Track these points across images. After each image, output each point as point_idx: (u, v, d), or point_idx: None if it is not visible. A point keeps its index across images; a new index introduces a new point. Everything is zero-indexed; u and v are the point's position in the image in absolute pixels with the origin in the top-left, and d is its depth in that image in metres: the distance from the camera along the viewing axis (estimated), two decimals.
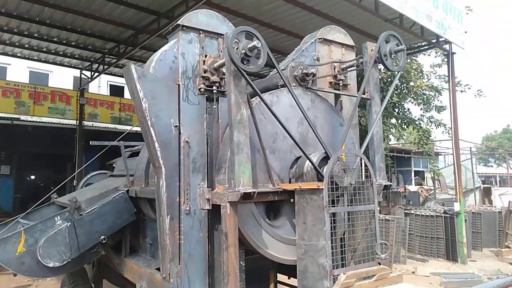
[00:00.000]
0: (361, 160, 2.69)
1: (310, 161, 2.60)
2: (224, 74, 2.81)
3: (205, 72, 2.78)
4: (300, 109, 2.66)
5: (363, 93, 3.12)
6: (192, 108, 2.72)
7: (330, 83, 3.37)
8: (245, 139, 2.48)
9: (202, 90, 2.76)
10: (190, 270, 2.56)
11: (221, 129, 2.85)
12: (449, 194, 15.50)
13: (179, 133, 2.66)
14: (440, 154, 23.33)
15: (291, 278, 3.87)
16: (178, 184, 2.63)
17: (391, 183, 3.17)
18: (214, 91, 2.79)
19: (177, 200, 2.61)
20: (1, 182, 17.38)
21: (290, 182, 2.87)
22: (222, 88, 2.83)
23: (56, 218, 3.94)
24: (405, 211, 9.96)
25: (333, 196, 2.50)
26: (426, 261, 8.89)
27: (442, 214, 9.25)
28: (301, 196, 2.59)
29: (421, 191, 16.61)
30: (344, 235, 2.62)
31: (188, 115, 2.69)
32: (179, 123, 2.66)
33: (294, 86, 2.96)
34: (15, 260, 3.63)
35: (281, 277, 3.76)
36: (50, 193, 4.86)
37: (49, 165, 18.87)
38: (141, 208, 4.11)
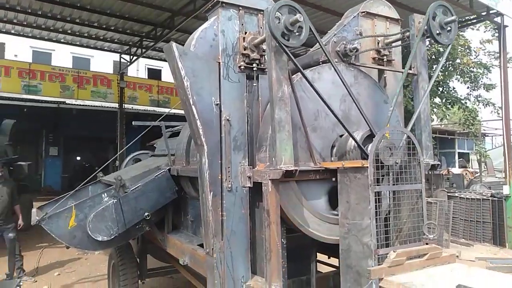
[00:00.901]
0: (407, 138, 2.58)
1: (354, 139, 2.53)
2: (264, 51, 2.77)
3: (245, 49, 2.74)
4: (344, 85, 2.57)
5: (410, 69, 2.97)
6: (232, 86, 2.71)
7: (374, 58, 3.23)
8: (287, 116, 2.44)
9: (242, 67, 2.73)
10: (232, 246, 2.60)
11: (261, 107, 2.82)
12: (496, 177, 14.72)
13: (220, 111, 2.66)
14: (487, 135, 22.09)
15: (331, 257, 3.86)
16: (219, 161, 2.65)
17: (439, 163, 3.03)
18: (254, 69, 2.76)
19: (219, 177, 2.64)
20: (51, 162, 18.46)
21: (332, 161, 2.82)
22: (262, 65, 2.79)
23: (103, 195, 4.13)
24: (449, 194, 9.59)
25: (377, 175, 2.43)
26: (471, 246, 8.57)
27: (490, 198, 8.83)
28: (344, 174, 2.53)
29: (466, 174, 15.88)
30: (388, 214, 2.55)
31: (228, 93, 2.69)
32: (219, 101, 2.66)
33: (336, 62, 2.86)
34: (67, 234, 3.86)
35: (320, 257, 3.75)
36: (96, 171, 5.08)
37: (92, 147, 19.79)
38: (182, 186, 4.21)
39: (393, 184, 2.50)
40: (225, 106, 2.66)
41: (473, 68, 11.80)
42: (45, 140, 18.10)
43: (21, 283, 2.49)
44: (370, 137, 2.64)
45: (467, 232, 9.08)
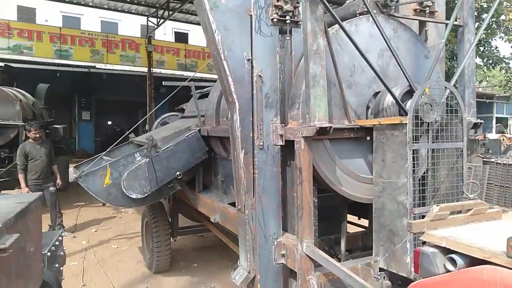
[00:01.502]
0: (450, 94, 2.43)
1: (392, 94, 2.41)
2: (298, 2, 2.63)
3: (278, 1, 2.60)
4: (384, 39, 2.42)
5: (455, 20, 2.76)
6: (264, 40, 2.60)
7: (415, 10, 3.02)
8: (322, 71, 2.34)
9: (274, 20, 2.61)
10: (264, 202, 2.60)
11: (294, 62, 2.72)
12: None
13: (252, 67, 2.58)
14: None
15: (361, 218, 3.84)
16: (251, 119, 2.61)
17: (482, 121, 2.86)
18: (287, 22, 2.63)
19: (251, 135, 2.60)
20: (84, 127, 19.10)
21: (367, 119, 2.72)
22: (295, 18, 2.66)
23: (136, 155, 4.22)
24: (484, 160, 9.23)
25: (416, 132, 2.32)
26: (505, 212, 8.30)
27: None
28: (380, 132, 2.43)
29: (503, 139, 15.19)
30: (426, 173, 2.46)
31: (260, 47, 2.59)
32: (251, 56, 2.58)
33: (375, 13, 2.68)
34: (103, 191, 4.00)
35: (350, 218, 3.74)
36: (128, 132, 5.18)
37: (122, 111, 20.26)
38: (212, 147, 4.23)
39: (433, 142, 2.39)
40: (257, 62, 2.58)
41: None
42: (78, 104, 18.64)
43: (63, 234, 2.61)
44: (409, 93, 2.51)
45: (501, 198, 8.78)
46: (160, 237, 5.09)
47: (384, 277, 2.43)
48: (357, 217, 3.84)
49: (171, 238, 5.41)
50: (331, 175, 2.66)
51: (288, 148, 2.66)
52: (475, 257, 1.38)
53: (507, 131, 19.24)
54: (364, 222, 3.83)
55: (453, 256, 1.49)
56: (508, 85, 11.19)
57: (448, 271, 1.51)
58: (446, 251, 1.55)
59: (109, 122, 21.80)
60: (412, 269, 2.18)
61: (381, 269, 2.43)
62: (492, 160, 9.22)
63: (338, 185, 2.69)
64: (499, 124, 20.72)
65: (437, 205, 1.81)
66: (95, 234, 7.17)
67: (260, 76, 2.58)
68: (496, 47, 11.50)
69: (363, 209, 3.36)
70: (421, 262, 1.57)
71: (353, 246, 3.52)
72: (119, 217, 8.46)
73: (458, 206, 1.86)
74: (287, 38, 2.66)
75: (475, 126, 2.82)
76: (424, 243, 1.92)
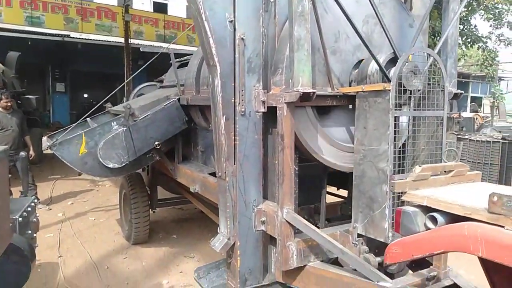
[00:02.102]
0: (433, 61, 2.42)
1: (377, 61, 2.38)
2: None
3: None
4: (371, 4, 2.37)
5: None
6: (248, 1, 2.50)
7: None
8: (306, 34, 2.27)
9: None
10: (245, 170, 2.57)
11: (278, 26, 2.63)
12: (507, 122, 14.52)
13: (234, 29, 2.49)
14: (503, 79, 21.39)
15: (340, 189, 3.88)
16: (233, 84, 2.54)
17: (462, 92, 2.89)
18: None
19: (232, 101, 2.54)
20: (58, 99, 18.44)
21: (350, 86, 2.69)
22: None
23: (112, 123, 4.09)
24: (458, 136, 9.49)
25: (398, 100, 2.31)
26: None
27: (500, 140, 8.72)
28: (363, 99, 2.42)
29: (476, 118, 15.65)
30: (407, 141, 2.48)
31: (243, 8, 2.49)
32: (234, 17, 2.48)
33: None
34: (78, 160, 3.88)
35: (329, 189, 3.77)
36: (103, 101, 5.00)
37: (99, 84, 19.58)
38: (192, 117, 4.14)
39: (414, 110, 2.39)
40: (240, 24, 2.48)
41: (499, 4, 11.05)
42: (51, 75, 17.90)
43: (35, 200, 2.51)
44: (392, 61, 2.49)
45: None
46: (139, 209, 5.04)
47: (362, 243, 2.48)
48: (336, 188, 3.87)
49: (150, 210, 5.37)
50: (312, 143, 2.64)
51: (270, 115, 2.61)
52: (456, 215, 1.40)
53: (481, 110, 19.80)
54: (343, 193, 3.88)
55: (434, 214, 1.51)
56: (485, 63, 11.41)
57: (428, 229, 1.53)
58: (427, 210, 1.57)
59: (85, 95, 21.10)
60: (390, 234, 2.22)
61: (359, 235, 2.47)
62: (466, 137, 9.49)
63: (319, 153, 2.68)
64: (473, 103, 21.28)
65: (419, 166, 1.82)
66: (71, 206, 7.04)
67: (242, 39, 2.49)
68: (475, 26, 11.65)
69: (342, 180, 3.38)
70: (402, 221, 1.59)
71: (332, 215, 3.57)
72: (96, 190, 8.32)
73: (439, 168, 1.88)
74: (271, 1, 2.57)
75: (455, 96, 2.84)
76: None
